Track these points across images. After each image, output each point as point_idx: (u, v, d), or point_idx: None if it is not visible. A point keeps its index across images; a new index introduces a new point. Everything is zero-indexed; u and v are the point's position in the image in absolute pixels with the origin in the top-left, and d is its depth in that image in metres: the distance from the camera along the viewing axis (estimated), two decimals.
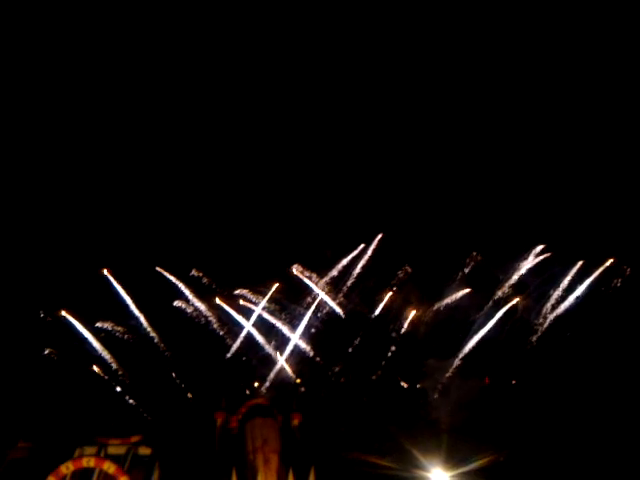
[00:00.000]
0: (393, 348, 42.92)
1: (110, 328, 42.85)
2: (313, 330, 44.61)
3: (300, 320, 44.92)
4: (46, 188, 44.99)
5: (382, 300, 45.16)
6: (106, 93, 46.96)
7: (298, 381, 41.29)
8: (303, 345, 43.85)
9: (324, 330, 44.71)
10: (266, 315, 44.85)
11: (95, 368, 41.36)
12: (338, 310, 45.47)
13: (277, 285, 45.55)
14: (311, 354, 43.40)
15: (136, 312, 43.77)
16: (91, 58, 46.43)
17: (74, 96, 46.48)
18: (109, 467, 25.17)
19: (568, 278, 43.32)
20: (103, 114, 46.72)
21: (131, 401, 38.94)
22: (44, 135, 45.73)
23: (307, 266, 46.80)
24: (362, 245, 46.96)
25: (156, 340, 43.21)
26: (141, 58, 46.89)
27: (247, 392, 37.39)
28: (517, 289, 43.89)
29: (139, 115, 46.74)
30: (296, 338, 43.62)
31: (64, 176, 45.36)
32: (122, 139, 46.90)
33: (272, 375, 41.92)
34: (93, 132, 46.57)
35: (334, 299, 45.96)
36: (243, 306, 45.92)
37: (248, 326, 44.57)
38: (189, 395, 39.57)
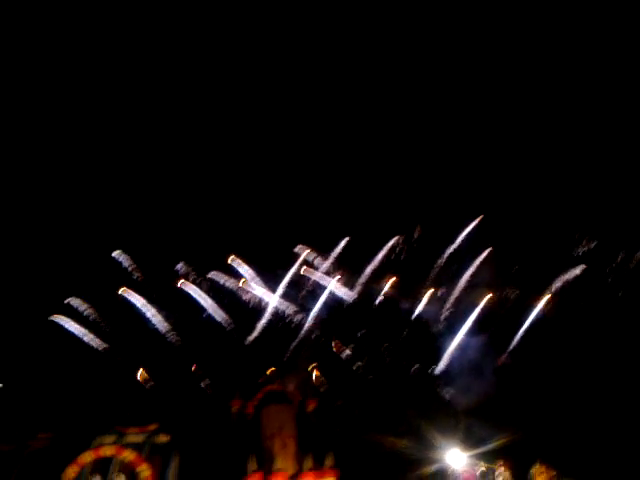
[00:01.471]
0: (409, 330, 42.90)
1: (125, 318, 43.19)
2: (328, 314, 44.61)
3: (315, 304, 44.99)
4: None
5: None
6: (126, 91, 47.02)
7: (313, 365, 41.36)
8: (317, 329, 43.92)
9: (339, 313, 44.70)
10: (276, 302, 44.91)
11: (113, 358, 41.69)
12: (351, 294, 45.41)
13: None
14: (326, 338, 43.47)
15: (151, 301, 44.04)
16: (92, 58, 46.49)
17: (96, 93, 46.67)
18: (128, 455, 25.49)
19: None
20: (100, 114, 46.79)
21: (148, 389, 39.25)
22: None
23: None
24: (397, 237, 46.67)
25: (172, 328, 43.46)
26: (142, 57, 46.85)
27: (262, 378, 37.50)
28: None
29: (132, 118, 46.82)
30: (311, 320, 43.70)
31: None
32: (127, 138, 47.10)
33: (287, 360, 42.07)
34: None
35: (353, 282, 45.91)
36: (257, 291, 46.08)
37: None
38: (205, 382, 39.77)
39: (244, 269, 46.48)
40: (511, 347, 40.68)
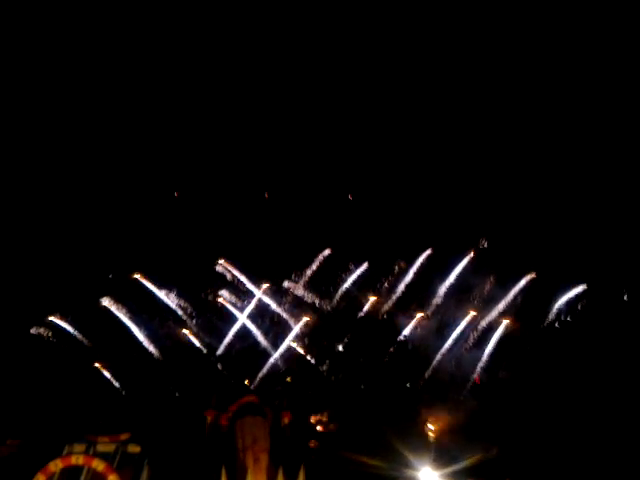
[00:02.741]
0: (387, 347, 43.03)
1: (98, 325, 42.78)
2: (306, 329, 44.57)
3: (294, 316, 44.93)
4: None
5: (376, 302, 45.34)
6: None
7: (289, 379, 41.31)
8: (295, 343, 43.83)
9: (317, 328, 44.69)
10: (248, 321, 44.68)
11: (85, 365, 41.21)
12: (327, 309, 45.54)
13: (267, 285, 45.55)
14: (303, 352, 43.41)
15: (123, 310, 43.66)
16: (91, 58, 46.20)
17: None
18: (98, 465, 25.04)
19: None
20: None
21: (120, 398, 38.84)
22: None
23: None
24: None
25: (144, 337, 43.11)
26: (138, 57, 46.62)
27: (238, 390, 37.31)
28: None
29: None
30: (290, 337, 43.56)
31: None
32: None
33: (263, 373, 41.93)
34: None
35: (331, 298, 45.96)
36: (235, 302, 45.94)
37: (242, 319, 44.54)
38: (178, 393, 39.51)
39: (229, 278, 46.46)
40: (484, 366, 41.11)
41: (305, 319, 43.80)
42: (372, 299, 45.11)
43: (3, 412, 32.47)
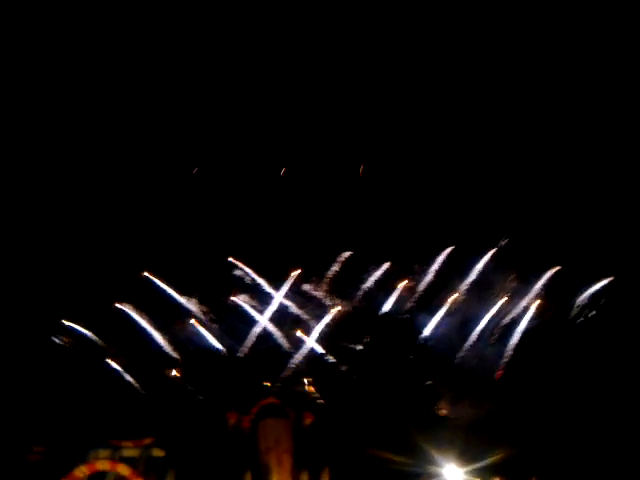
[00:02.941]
0: (410, 346, 42.74)
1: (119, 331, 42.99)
2: (326, 327, 44.42)
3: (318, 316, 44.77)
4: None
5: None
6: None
7: (310, 379, 41.22)
8: (316, 344, 43.74)
9: (337, 326, 44.55)
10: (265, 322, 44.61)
11: (107, 367, 41.49)
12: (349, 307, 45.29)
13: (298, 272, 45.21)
14: (323, 351, 43.31)
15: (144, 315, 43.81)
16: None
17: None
18: (123, 470, 25.27)
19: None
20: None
21: (143, 403, 39.01)
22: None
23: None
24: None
25: (165, 340, 43.27)
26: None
27: (259, 392, 37.34)
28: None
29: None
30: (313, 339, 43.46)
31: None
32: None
33: (284, 374, 41.89)
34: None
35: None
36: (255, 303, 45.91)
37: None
38: (200, 396, 39.61)
39: (245, 276, 46.38)
40: (507, 360, 40.69)
41: (328, 317, 43.76)
42: (393, 297, 44.85)
43: (28, 419, 32.80)
